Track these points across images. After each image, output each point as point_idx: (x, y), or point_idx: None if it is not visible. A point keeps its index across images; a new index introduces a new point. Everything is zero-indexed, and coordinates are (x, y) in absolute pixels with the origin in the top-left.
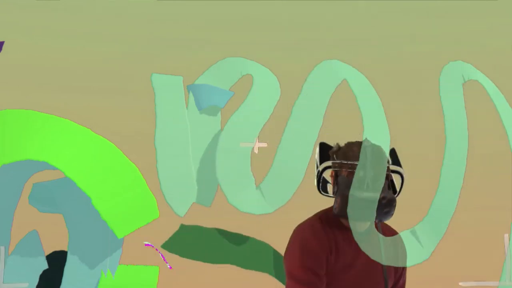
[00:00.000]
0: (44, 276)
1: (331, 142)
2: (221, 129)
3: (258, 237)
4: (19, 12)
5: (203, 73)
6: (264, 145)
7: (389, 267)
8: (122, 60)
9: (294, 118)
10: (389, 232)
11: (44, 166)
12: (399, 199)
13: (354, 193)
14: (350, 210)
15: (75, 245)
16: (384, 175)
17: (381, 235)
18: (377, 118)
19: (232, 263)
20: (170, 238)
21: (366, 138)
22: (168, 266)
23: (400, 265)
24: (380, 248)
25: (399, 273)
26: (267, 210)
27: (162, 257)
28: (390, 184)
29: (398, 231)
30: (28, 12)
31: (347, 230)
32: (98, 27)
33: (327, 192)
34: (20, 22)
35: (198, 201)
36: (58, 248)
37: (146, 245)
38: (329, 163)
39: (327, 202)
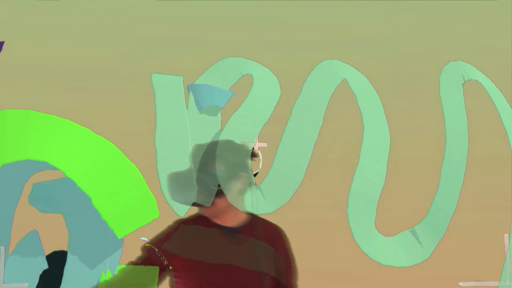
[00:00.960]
0: (44, 276)
1: (331, 142)
2: (221, 129)
3: None
4: (19, 12)
5: (203, 73)
6: (264, 145)
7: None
8: (122, 60)
9: (294, 118)
10: (269, 231)
11: (44, 166)
12: (399, 199)
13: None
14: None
15: (75, 245)
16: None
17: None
18: (377, 118)
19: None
20: (170, 238)
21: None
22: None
23: (260, 269)
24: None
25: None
26: (267, 210)
27: (159, 254)
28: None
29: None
30: (28, 12)
31: (217, 227)
32: (98, 27)
33: None
34: (20, 22)
35: (198, 201)
36: (58, 248)
37: (143, 240)
38: None
39: (327, 202)
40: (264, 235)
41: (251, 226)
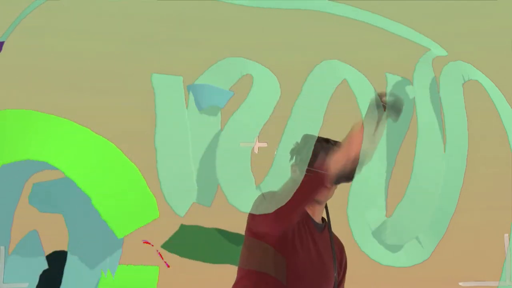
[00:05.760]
0: (44, 276)
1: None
2: (221, 129)
3: None
4: (19, 12)
5: (203, 73)
6: (264, 145)
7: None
8: (122, 60)
9: (294, 118)
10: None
11: (44, 166)
12: (399, 199)
13: None
14: None
15: (75, 245)
16: None
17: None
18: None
19: (232, 263)
20: (170, 238)
21: None
22: (166, 264)
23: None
24: (332, 247)
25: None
26: (267, 210)
27: (159, 254)
28: None
29: None
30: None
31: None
32: (97, 26)
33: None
34: (20, 22)
35: (198, 201)
36: (58, 248)
37: (144, 242)
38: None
39: (327, 202)
40: (336, 241)
41: (326, 227)
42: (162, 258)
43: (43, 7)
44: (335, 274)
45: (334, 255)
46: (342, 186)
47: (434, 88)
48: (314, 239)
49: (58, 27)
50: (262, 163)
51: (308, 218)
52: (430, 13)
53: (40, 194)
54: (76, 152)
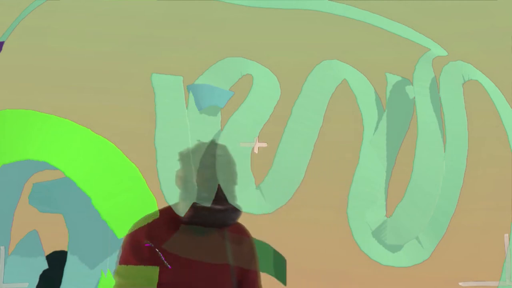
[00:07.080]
0: (44, 276)
1: (331, 142)
2: (221, 129)
3: (258, 237)
4: (19, 12)
5: (203, 73)
6: (264, 145)
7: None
8: (122, 60)
9: (294, 118)
10: (239, 231)
11: (44, 166)
12: (399, 199)
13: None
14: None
15: (75, 245)
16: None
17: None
18: (377, 118)
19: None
20: (170, 238)
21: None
22: (168, 267)
23: (243, 265)
24: (225, 247)
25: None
26: (267, 210)
27: (162, 257)
28: None
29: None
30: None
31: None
32: (98, 27)
33: None
34: (20, 22)
35: (198, 201)
36: (58, 248)
37: (146, 245)
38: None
39: (327, 202)
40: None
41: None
42: (164, 260)
43: (43, 7)
44: (231, 269)
45: (229, 253)
46: (342, 186)
47: (434, 88)
48: (195, 244)
49: (58, 27)
50: (262, 163)
51: (178, 225)
52: (430, 13)
53: (40, 194)
54: (76, 152)
